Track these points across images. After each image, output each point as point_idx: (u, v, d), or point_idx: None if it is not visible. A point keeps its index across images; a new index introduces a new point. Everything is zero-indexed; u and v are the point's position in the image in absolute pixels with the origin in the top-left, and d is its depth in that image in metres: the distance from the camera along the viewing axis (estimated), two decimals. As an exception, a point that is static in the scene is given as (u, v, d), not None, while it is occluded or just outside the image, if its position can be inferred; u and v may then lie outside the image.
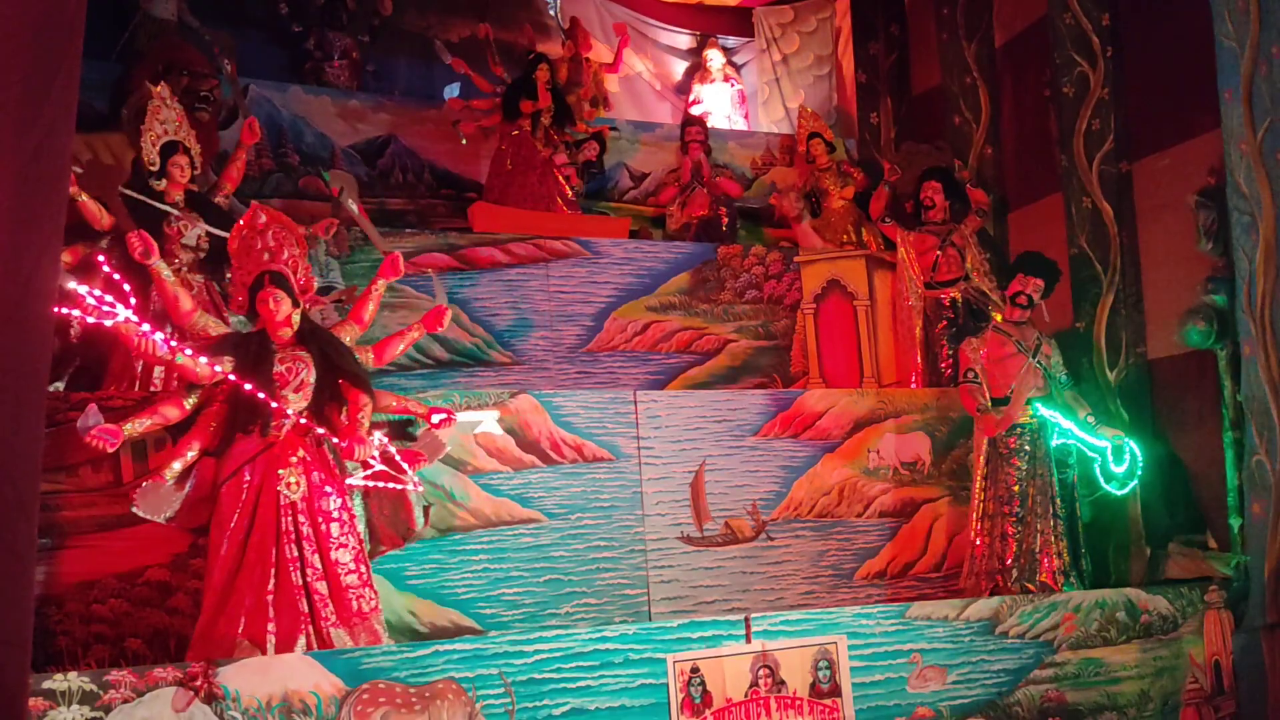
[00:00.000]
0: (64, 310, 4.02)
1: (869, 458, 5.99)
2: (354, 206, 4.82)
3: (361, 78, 8.25)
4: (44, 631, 4.26)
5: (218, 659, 3.88)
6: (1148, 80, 6.31)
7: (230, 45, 7.27)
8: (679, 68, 10.14)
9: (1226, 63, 5.43)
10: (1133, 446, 5.69)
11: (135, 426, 4.07)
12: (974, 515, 5.75)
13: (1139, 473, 5.72)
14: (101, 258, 4.36)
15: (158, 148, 5.33)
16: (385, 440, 4.31)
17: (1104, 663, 5.19)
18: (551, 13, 9.49)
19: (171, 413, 4.17)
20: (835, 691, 4.66)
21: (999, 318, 5.98)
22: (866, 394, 6.19)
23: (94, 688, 3.65)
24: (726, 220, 7.93)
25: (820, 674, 4.65)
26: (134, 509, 4.09)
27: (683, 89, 10.03)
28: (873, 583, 5.85)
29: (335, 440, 4.25)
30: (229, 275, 5.41)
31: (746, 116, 9.85)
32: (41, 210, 1.58)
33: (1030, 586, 5.51)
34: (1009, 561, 5.59)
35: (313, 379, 4.29)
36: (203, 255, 5.40)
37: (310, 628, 4.15)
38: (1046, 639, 5.13)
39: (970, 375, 5.76)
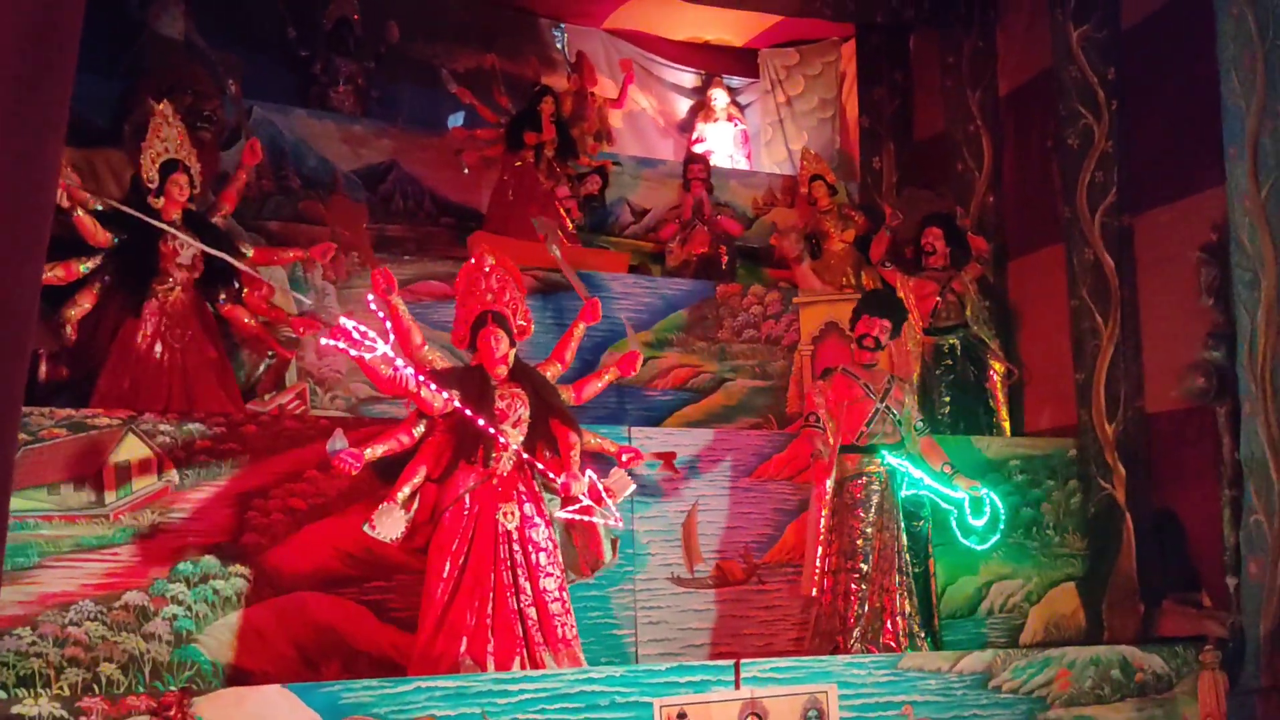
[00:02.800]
0: (330, 342, 4.18)
1: (863, 503, 5.91)
2: (558, 251, 5.08)
3: (366, 104, 8.25)
4: (17, 653, 4.17)
5: (436, 674, 4.08)
6: (1152, 134, 6.32)
7: (236, 66, 7.27)
8: (683, 105, 10.17)
9: (1232, 120, 5.43)
10: (993, 498, 5.39)
11: (374, 451, 4.28)
12: (815, 570, 5.25)
13: (1001, 527, 5.44)
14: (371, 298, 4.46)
15: (157, 165, 5.29)
16: (595, 478, 4.50)
17: (1097, 721, 5.11)
18: (558, 47, 9.53)
19: (405, 439, 4.39)
20: (824, 741, 4.57)
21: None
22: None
23: (65, 714, 3.57)
24: (726, 259, 7.92)
25: (809, 723, 4.55)
26: (368, 529, 4.23)
27: (686, 127, 10.05)
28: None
29: (552, 476, 4.45)
30: (222, 297, 5.40)
31: (749, 156, 9.87)
32: (26, 219, 1.54)
33: (872, 648, 5.12)
34: (851, 621, 5.19)
35: (528, 415, 4.54)
36: (197, 275, 5.35)
37: (524, 650, 4.33)
38: (1040, 695, 5.05)
39: (812, 419, 5.44)
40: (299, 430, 4.79)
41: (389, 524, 4.26)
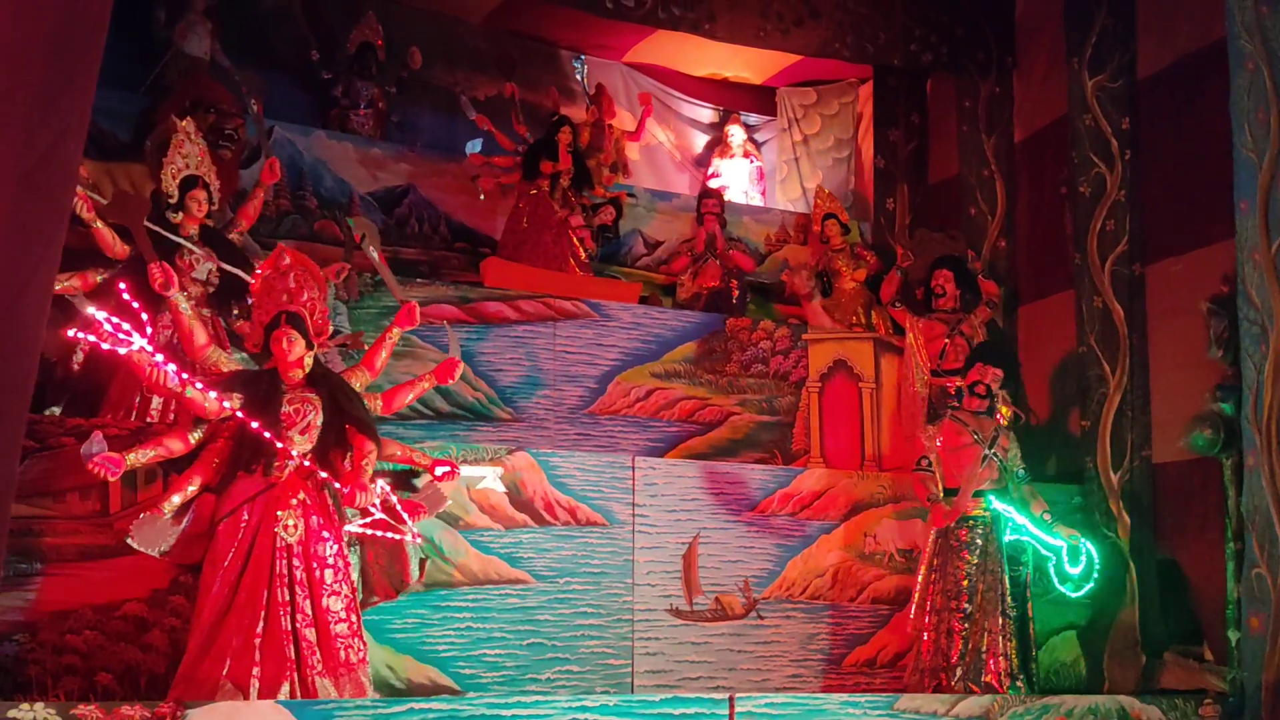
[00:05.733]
0: (79, 334, 4.04)
1: (865, 542, 5.91)
2: (375, 254, 4.90)
3: (385, 127, 8.34)
4: (15, 659, 4.19)
5: (198, 699, 3.79)
6: (1164, 185, 6.35)
7: (259, 86, 7.36)
8: (700, 140, 10.25)
9: (1244, 173, 5.45)
10: (1089, 547, 5.51)
11: (138, 457, 4.03)
12: (917, 609, 5.48)
13: (1095, 575, 5.53)
14: (123, 285, 4.34)
15: (177, 181, 5.36)
16: (388, 489, 4.28)
17: (1093, 771, 5.06)
18: (578, 78, 9.62)
19: (175, 445, 4.14)
20: (817, 780, 4.53)
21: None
22: (867, 477, 6.13)
23: (59, 720, 3.56)
24: (737, 293, 7.94)
25: (802, 761, 4.52)
26: (129, 540, 4.04)
27: (702, 161, 10.12)
28: (861, 670, 5.74)
29: (338, 485, 4.21)
30: (235, 312, 5.44)
31: (764, 193, 9.93)
32: (41, 222, 1.56)
33: (975, 687, 5.23)
34: (954, 659, 5.33)
35: (319, 422, 4.27)
36: (212, 290, 5.40)
37: (295, 675, 4.06)
38: (1036, 742, 5.00)
39: (924, 463, 5.59)
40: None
41: (150, 535, 4.03)
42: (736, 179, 9.78)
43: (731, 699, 4.47)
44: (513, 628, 5.07)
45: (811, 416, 7.00)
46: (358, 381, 4.48)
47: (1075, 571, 5.49)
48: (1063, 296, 6.83)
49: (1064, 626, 6.14)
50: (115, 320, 3.93)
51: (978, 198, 7.64)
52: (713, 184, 9.25)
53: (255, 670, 4.01)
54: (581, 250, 7.57)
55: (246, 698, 3.93)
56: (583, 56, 9.69)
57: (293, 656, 4.07)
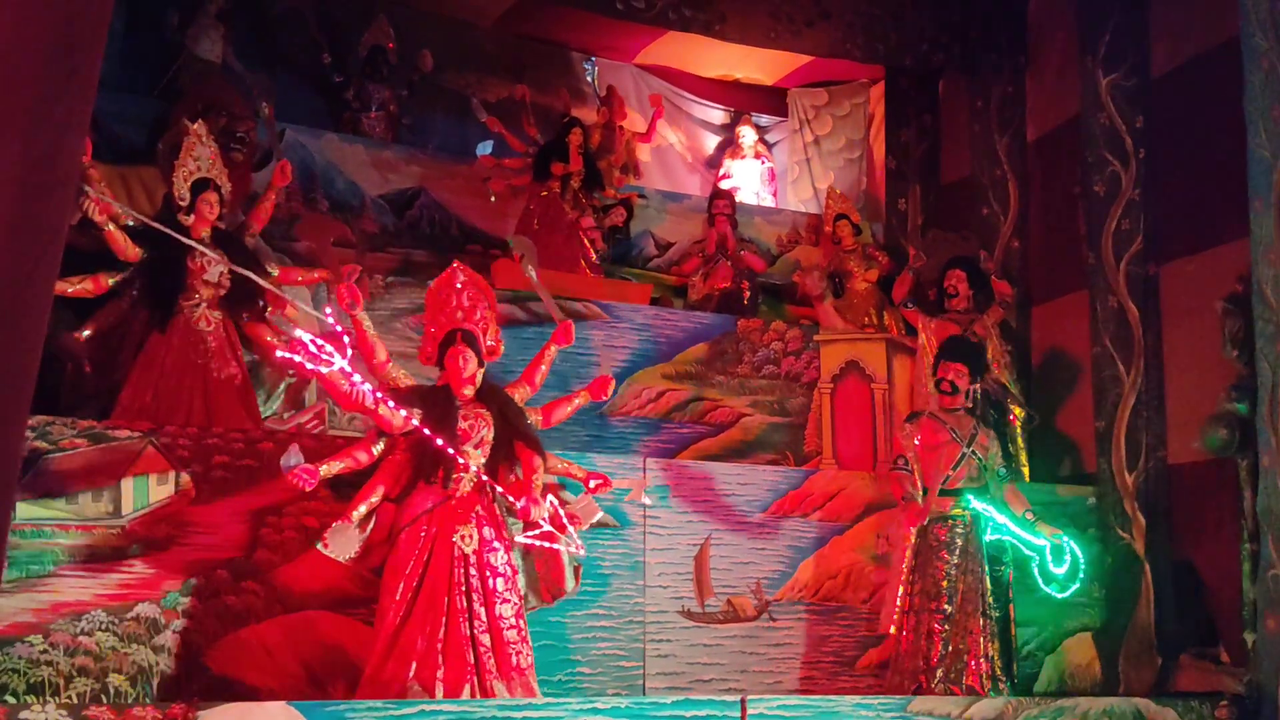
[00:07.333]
0: (283, 354, 4.22)
1: (878, 543, 5.88)
2: (533, 273, 5.06)
3: (397, 130, 8.36)
4: (28, 660, 4.20)
5: (387, 699, 3.97)
6: (1179, 184, 6.31)
7: (270, 89, 7.40)
8: (711, 142, 10.24)
9: (1258, 171, 5.41)
10: (1073, 546, 5.40)
11: (330, 468, 4.22)
12: (897, 609, 5.39)
13: (1080, 575, 5.45)
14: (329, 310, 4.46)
15: (189, 184, 5.37)
16: (556, 503, 4.43)
17: (1109, 773, 5.02)
18: (589, 79, 9.63)
19: (362, 457, 4.32)
20: (829, 783, 4.51)
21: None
22: (879, 478, 6.10)
23: (71, 722, 3.57)
24: (748, 294, 7.93)
25: (814, 763, 4.50)
26: (321, 548, 4.22)
27: (713, 163, 10.12)
28: (875, 672, 5.71)
29: (512, 499, 4.36)
30: (246, 315, 5.45)
31: (775, 194, 9.91)
32: (41, 220, 1.56)
33: (955, 689, 5.14)
34: (934, 661, 5.24)
35: (491, 437, 4.44)
36: (223, 293, 5.42)
37: (475, 678, 4.23)
38: (1051, 744, 4.97)
39: (900, 462, 5.50)
40: (315, 449, 4.81)
41: (342, 543, 4.21)
42: (748, 180, 9.77)
43: (743, 701, 4.45)
44: (524, 629, 5.05)
45: (823, 418, 6.98)
46: (517, 396, 4.65)
47: (1060, 571, 5.39)
48: (1076, 296, 6.79)
49: (1079, 629, 6.10)
50: (319, 342, 4.06)
51: (990, 198, 7.60)
52: (724, 185, 9.25)
53: (439, 673, 4.17)
54: (592, 252, 7.56)
55: (434, 698, 4.07)
56: (593, 58, 9.70)
57: (472, 661, 4.23)
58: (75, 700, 4.14)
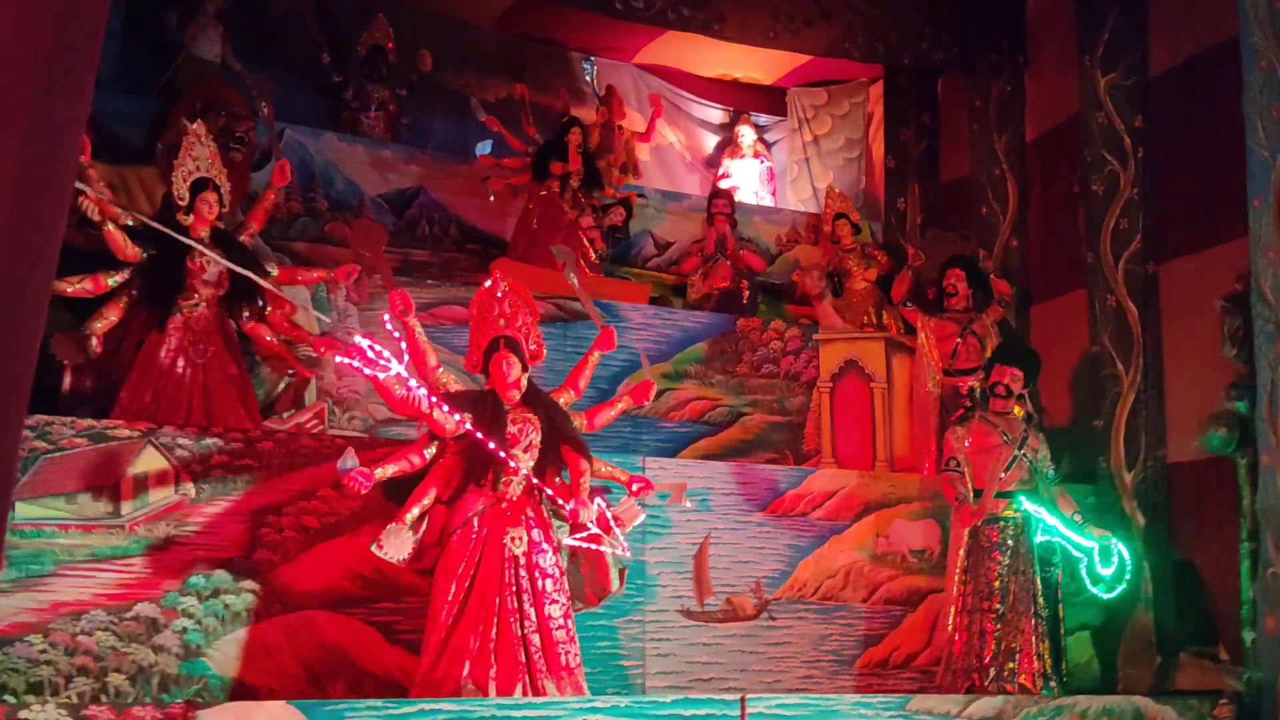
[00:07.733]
0: (341, 359, 4.27)
1: (877, 542, 5.89)
2: (575, 280, 5.12)
3: (396, 130, 8.36)
4: (28, 660, 4.20)
5: (439, 698, 4.03)
6: (1178, 183, 6.31)
7: (270, 89, 7.38)
8: (710, 141, 10.24)
9: (1257, 170, 5.41)
10: (1120, 548, 5.49)
11: (385, 471, 4.28)
12: (952, 609, 5.50)
13: (1127, 576, 5.52)
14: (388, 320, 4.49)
15: (188, 184, 5.37)
16: (603, 505, 4.49)
17: (1108, 772, 5.03)
18: (588, 79, 9.63)
19: (416, 460, 4.39)
20: (829, 781, 4.52)
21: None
22: (878, 477, 6.10)
23: (70, 722, 3.57)
24: (747, 293, 7.93)
25: (814, 762, 4.50)
26: (375, 549, 4.24)
27: (712, 162, 10.12)
28: (874, 671, 5.71)
29: (561, 502, 4.42)
30: (245, 314, 5.45)
31: (774, 194, 9.91)
32: (39, 218, 1.56)
33: (1009, 688, 5.25)
34: (987, 660, 5.34)
35: (539, 440, 4.52)
36: (222, 292, 5.42)
37: (526, 677, 4.30)
38: (1051, 743, 4.97)
39: (952, 464, 5.59)
40: (315, 449, 4.82)
41: (396, 544, 4.27)
42: (747, 179, 9.77)
43: (743, 700, 4.46)
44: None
45: (823, 417, 6.98)
46: (562, 400, 4.72)
47: (1107, 572, 5.46)
48: (1075, 295, 6.79)
49: (1078, 627, 6.10)
50: (377, 348, 4.12)
51: (989, 197, 7.61)
52: (723, 184, 9.25)
53: (492, 672, 4.23)
54: (592, 251, 7.56)
55: (486, 695, 4.16)
56: (592, 58, 9.70)
57: (523, 661, 4.30)
58: (75, 700, 4.14)
